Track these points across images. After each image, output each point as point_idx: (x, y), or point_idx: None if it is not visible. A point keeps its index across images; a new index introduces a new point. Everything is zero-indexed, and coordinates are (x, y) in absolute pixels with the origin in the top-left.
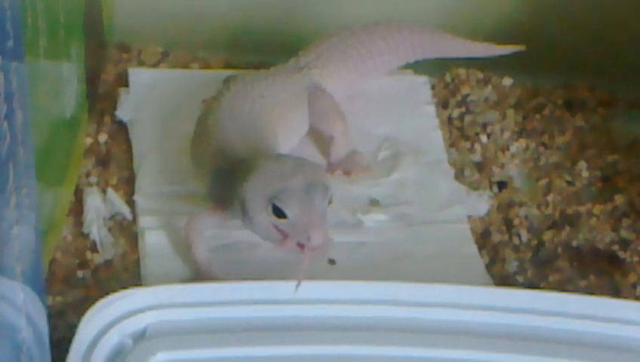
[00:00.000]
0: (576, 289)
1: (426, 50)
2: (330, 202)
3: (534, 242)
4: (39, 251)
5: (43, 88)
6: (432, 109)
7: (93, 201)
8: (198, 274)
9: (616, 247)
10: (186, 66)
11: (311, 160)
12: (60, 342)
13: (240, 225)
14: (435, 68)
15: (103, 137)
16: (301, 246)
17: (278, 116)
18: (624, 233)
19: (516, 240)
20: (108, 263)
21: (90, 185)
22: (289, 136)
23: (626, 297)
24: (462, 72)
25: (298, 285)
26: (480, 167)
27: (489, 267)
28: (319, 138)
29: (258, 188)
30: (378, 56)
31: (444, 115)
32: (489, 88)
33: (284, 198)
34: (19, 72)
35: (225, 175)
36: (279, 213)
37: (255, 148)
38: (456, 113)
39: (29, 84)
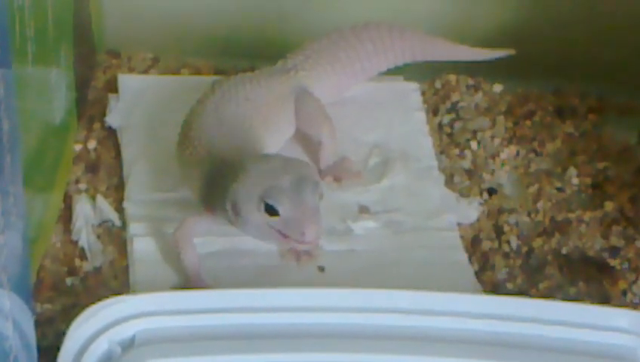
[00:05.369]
0: (566, 297)
1: (416, 53)
2: (320, 197)
3: (524, 249)
4: (27, 258)
5: (31, 95)
6: (422, 116)
7: (83, 208)
8: (187, 281)
9: (605, 254)
10: (176, 72)
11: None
12: (49, 350)
13: (230, 231)
14: (426, 74)
15: (92, 144)
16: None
17: (263, 118)
18: (614, 240)
19: (506, 248)
20: (97, 270)
21: (79, 191)
22: (275, 139)
23: (615, 304)
24: (452, 78)
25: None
26: (470, 173)
27: (479, 274)
28: (307, 143)
29: (248, 188)
30: (367, 58)
31: (435, 121)
32: (479, 95)
33: (275, 195)
34: (6, 79)
35: (212, 178)
36: (271, 210)
37: (240, 151)
38: (446, 119)
39: (17, 91)
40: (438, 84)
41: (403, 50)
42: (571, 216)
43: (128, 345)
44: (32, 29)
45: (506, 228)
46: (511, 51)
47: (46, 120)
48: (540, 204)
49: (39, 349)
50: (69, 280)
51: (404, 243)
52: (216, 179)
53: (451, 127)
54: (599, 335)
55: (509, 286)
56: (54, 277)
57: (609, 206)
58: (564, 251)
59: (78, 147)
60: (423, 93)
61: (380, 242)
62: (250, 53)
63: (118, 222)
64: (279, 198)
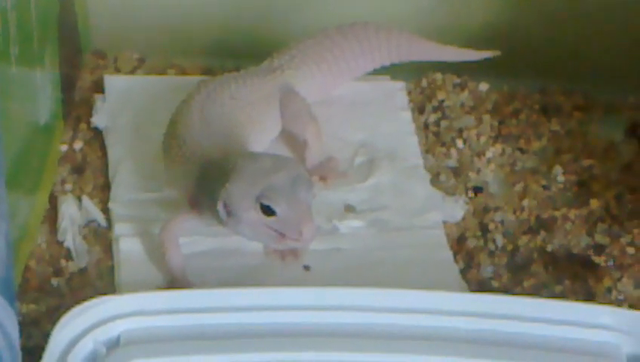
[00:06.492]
0: (551, 294)
1: (402, 53)
2: (314, 196)
3: (510, 247)
4: (11, 259)
5: (16, 95)
6: (408, 115)
7: (68, 208)
8: (172, 281)
9: (591, 252)
10: (162, 73)
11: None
12: (34, 350)
13: (215, 231)
14: (412, 73)
15: (78, 144)
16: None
17: (248, 117)
18: (599, 238)
19: (491, 246)
20: (82, 271)
21: (65, 192)
22: (260, 138)
23: (600, 302)
24: (438, 77)
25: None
26: (456, 172)
27: (464, 272)
28: (293, 143)
29: (242, 188)
30: (353, 58)
31: (421, 120)
32: (465, 93)
33: (272, 195)
34: None
35: (199, 178)
36: (268, 210)
37: (226, 150)
38: (432, 118)
39: (0, 92)
40: (424, 83)
41: (389, 50)
42: (557, 213)
43: (113, 345)
44: (15, 30)
45: (492, 226)
46: (497, 53)
47: (31, 121)
48: (525, 202)
49: (25, 350)
50: (54, 281)
51: (390, 242)
52: (204, 179)
53: (437, 125)
54: (584, 333)
55: (495, 284)
56: (40, 278)
57: (594, 203)
58: (549, 249)
59: (63, 148)
60: (409, 92)
61: (366, 241)
62: (237, 53)
63: (103, 223)
64: (276, 198)
